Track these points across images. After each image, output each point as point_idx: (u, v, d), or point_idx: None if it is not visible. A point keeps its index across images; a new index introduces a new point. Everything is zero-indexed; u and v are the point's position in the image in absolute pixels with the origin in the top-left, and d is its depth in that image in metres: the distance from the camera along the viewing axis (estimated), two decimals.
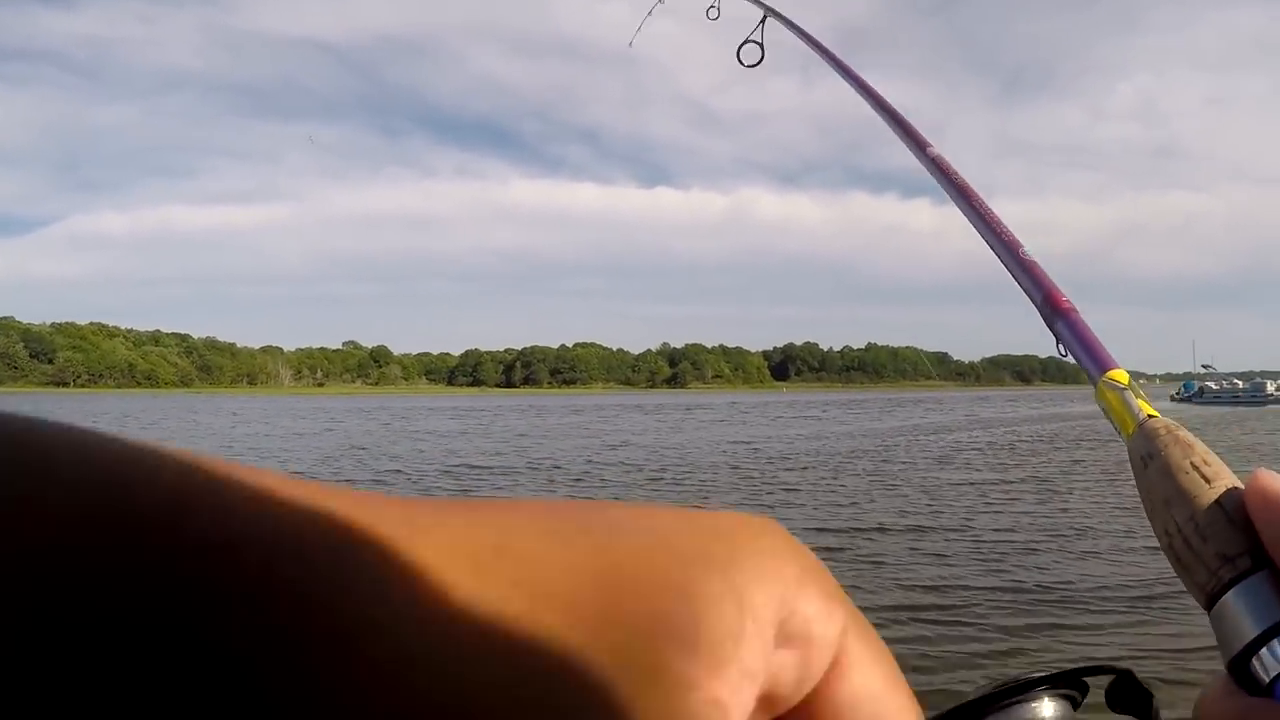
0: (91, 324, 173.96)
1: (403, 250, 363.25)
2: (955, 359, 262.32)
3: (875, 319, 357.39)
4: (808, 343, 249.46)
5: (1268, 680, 0.38)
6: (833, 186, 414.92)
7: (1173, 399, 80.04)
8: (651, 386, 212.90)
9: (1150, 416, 0.51)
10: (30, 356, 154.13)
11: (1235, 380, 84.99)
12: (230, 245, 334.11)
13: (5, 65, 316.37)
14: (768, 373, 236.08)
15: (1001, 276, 0.75)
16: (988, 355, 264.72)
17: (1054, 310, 0.67)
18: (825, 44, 1.48)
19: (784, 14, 1.70)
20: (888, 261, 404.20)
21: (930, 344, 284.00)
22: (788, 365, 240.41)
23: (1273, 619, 0.38)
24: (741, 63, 1.78)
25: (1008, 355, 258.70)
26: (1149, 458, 0.47)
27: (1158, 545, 0.42)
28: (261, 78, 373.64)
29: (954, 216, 0.86)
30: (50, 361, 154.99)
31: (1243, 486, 0.42)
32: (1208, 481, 0.43)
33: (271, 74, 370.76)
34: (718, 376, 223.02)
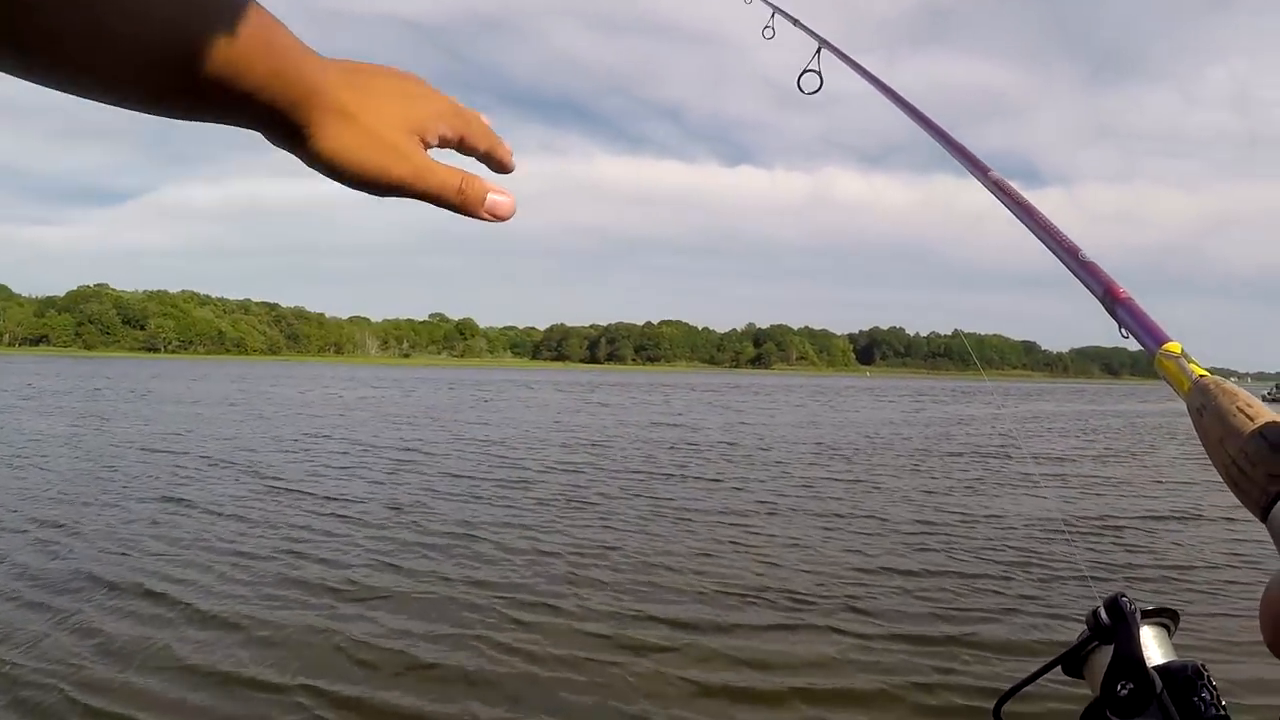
0: (183, 292, 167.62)
1: (489, 225, 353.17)
2: (1043, 349, 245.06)
3: (962, 305, 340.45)
4: (893, 327, 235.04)
5: None
6: (917, 168, 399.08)
7: (1265, 399, 72.41)
8: (736, 366, 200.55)
9: (1201, 375, 0.59)
10: (123, 323, 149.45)
11: None
12: (318, 218, 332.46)
13: None
14: (853, 356, 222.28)
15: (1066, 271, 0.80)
16: (1076, 346, 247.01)
17: (1114, 300, 0.73)
18: (879, 76, 1.46)
19: (838, 46, 1.67)
20: (975, 247, 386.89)
21: (1018, 333, 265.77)
22: (873, 349, 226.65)
23: None
24: (802, 90, 1.76)
25: (1097, 347, 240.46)
26: (1203, 408, 0.55)
27: None
28: (346, 54, 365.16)
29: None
30: (142, 328, 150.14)
31: None
32: (1251, 420, 0.50)
33: (356, 50, 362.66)
34: (802, 358, 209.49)
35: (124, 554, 6.99)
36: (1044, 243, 0.86)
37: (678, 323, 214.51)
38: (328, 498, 9.78)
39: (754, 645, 5.23)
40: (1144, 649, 0.65)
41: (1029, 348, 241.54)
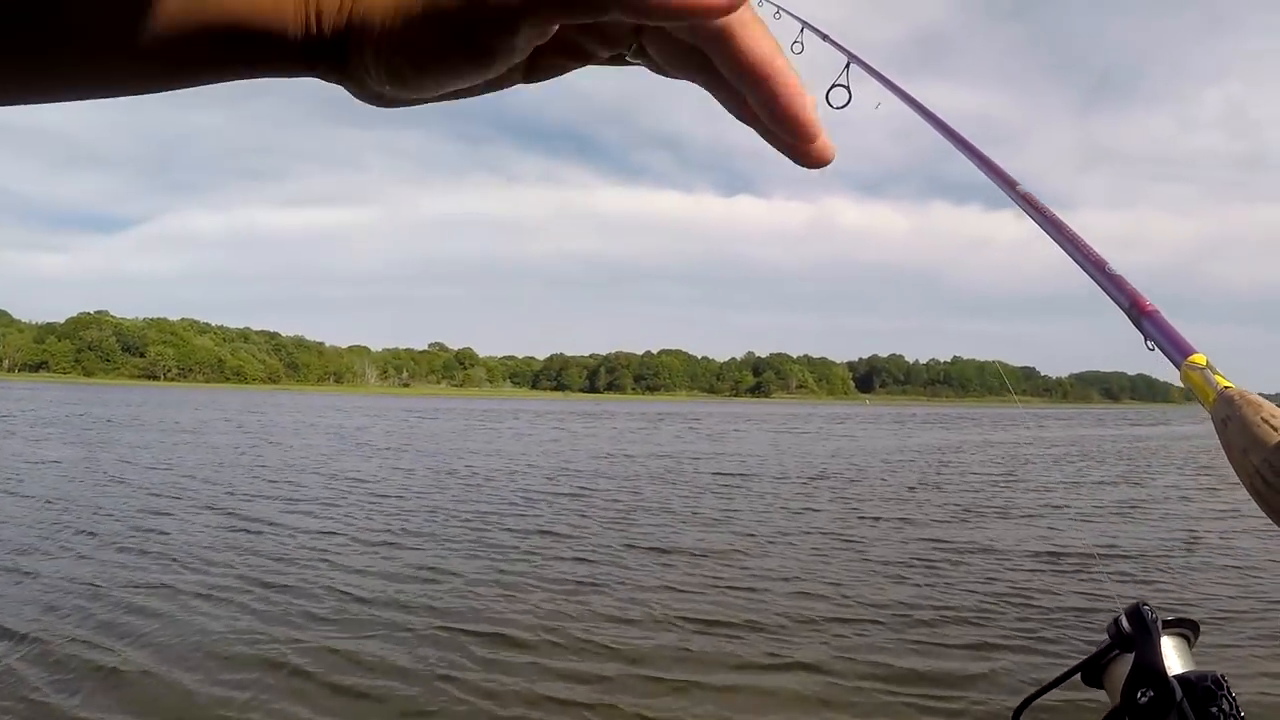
0: (183, 319, 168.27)
1: (488, 255, 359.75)
2: (1042, 374, 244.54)
3: (961, 331, 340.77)
4: (893, 355, 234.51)
5: None
6: (915, 197, 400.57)
7: None
8: (735, 395, 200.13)
9: (1226, 387, 0.58)
10: (122, 350, 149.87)
11: None
12: (318, 246, 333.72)
13: None
14: (852, 384, 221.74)
15: (1089, 287, 0.81)
16: (1075, 371, 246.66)
17: (1141, 313, 0.73)
18: (908, 90, 1.46)
19: (868, 62, 1.65)
20: (973, 273, 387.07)
21: (1017, 358, 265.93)
22: (872, 377, 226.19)
23: None
24: (830, 104, 1.69)
25: (1096, 371, 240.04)
26: (1228, 419, 0.54)
27: None
28: None
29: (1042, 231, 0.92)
30: (141, 355, 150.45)
31: None
32: (1276, 430, 0.51)
33: None
34: (802, 387, 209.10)
35: (90, 586, 6.79)
36: (1071, 256, 0.86)
37: (677, 352, 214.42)
38: (297, 531, 9.51)
39: (731, 685, 4.97)
40: (1164, 658, 0.66)
41: (1028, 373, 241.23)
